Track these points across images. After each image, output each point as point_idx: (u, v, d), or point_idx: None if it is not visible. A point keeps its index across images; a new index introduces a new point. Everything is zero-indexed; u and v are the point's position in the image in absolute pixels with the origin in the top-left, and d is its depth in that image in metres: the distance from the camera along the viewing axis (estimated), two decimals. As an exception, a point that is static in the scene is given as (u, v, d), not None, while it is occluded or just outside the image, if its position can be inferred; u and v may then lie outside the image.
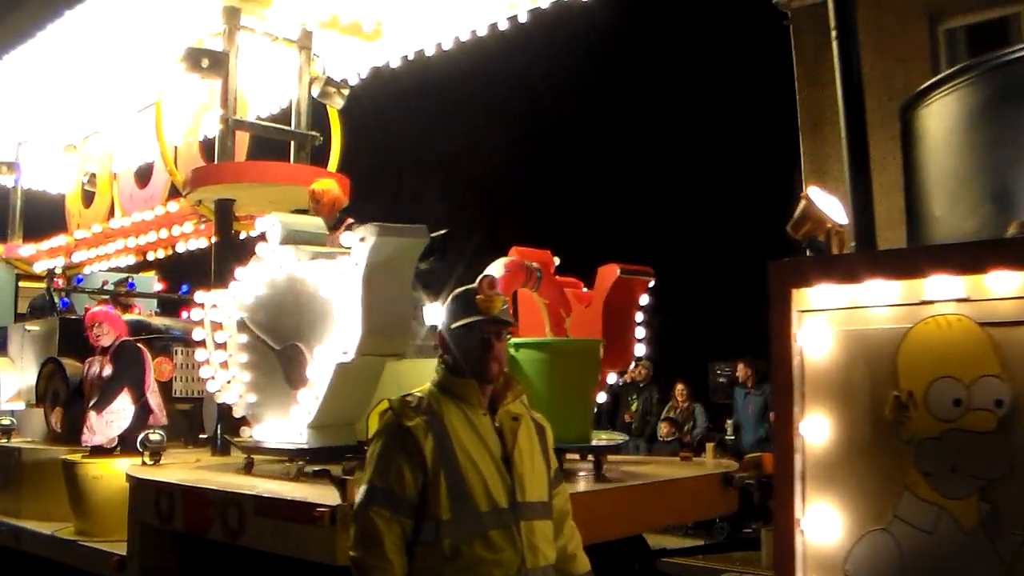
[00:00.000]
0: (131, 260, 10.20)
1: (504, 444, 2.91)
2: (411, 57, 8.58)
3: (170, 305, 9.80)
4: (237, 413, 4.92)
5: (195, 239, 9.19)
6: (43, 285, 11.66)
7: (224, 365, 5.52)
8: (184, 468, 6.29)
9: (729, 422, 10.74)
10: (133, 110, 10.03)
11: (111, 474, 6.94)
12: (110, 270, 10.77)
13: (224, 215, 7.66)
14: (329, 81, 8.27)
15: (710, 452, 6.64)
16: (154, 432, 6.46)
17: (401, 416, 2.85)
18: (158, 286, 11.26)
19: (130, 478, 5.96)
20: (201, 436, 8.43)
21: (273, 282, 5.11)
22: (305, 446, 4.90)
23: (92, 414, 7.10)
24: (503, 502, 2.82)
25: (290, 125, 8.36)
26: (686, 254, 17.08)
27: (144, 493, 5.64)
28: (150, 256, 9.97)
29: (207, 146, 8.78)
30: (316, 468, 4.59)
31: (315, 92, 8.31)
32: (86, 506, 7.01)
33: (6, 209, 11.74)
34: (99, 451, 7.22)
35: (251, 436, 5.18)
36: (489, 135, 18.86)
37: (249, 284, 5.25)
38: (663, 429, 10.57)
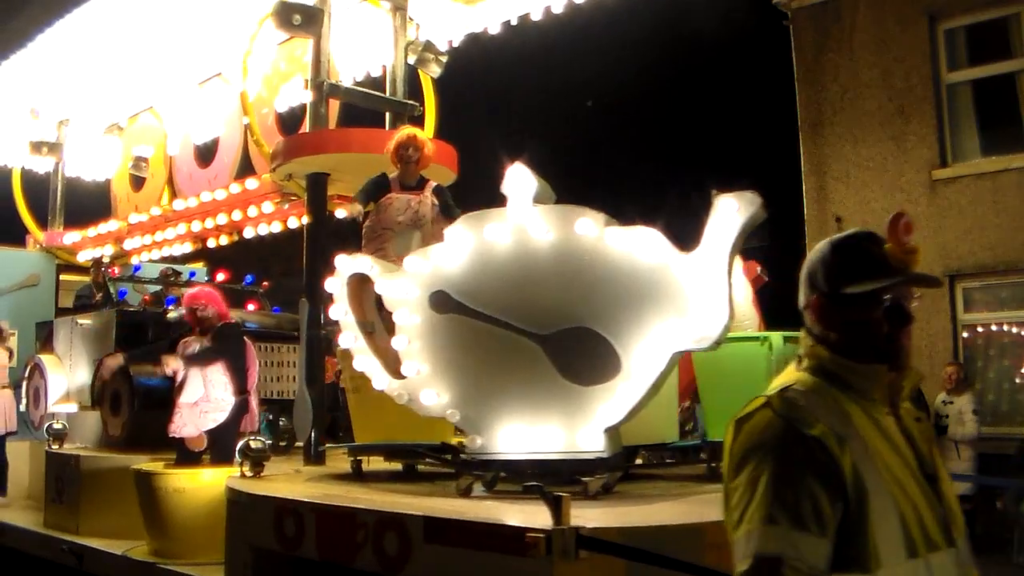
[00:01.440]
0: (187, 248, 9.41)
1: (920, 457, 2.09)
2: (514, 22, 7.79)
3: (234, 297, 8.99)
4: (428, 413, 3.91)
5: (266, 223, 8.39)
6: (85, 278, 10.94)
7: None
8: (293, 481, 5.49)
9: None
10: (192, 83, 9.26)
11: (197, 486, 6.18)
12: (161, 260, 9.97)
13: (318, 191, 6.89)
14: (427, 47, 7.50)
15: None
16: (255, 439, 5.67)
17: (796, 420, 1.98)
18: (206, 279, 10.46)
19: (235, 493, 5.17)
20: (280, 444, 7.66)
21: (523, 250, 3.99)
22: (603, 454, 3.89)
23: (183, 402, 6.30)
24: (941, 543, 2.00)
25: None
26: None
27: (259, 511, 4.84)
28: (210, 243, 9.17)
29: (286, 119, 8.02)
30: (526, 484, 3.74)
31: (411, 59, 7.54)
32: (166, 523, 6.23)
33: (43, 195, 10.95)
34: (183, 459, 6.42)
35: (478, 445, 4.01)
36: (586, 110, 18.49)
37: (468, 250, 4.01)
38: None
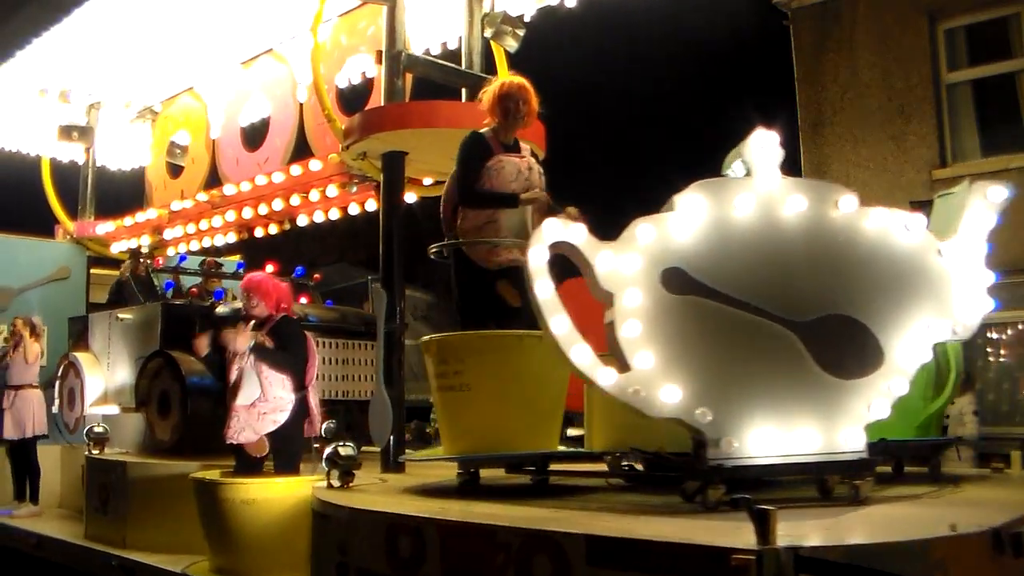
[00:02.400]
0: (230, 238, 8.86)
1: None
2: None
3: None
4: (663, 413, 3.14)
5: (323, 210, 7.84)
6: (114, 271, 10.38)
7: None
8: (388, 492, 4.91)
9: None
10: (236, 62, 8.70)
11: (268, 497, 5.60)
12: (199, 252, 9.41)
13: (395, 171, 6.34)
14: (505, 19, 6.94)
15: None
16: (344, 445, 5.09)
17: None
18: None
19: (327, 506, 4.59)
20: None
21: (773, 225, 3.43)
22: (865, 455, 3.36)
23: (239, 405, 5.72)
24: None
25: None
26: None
27: (363, 528, 4.26)
28: (258, 232, 8.61)
29: (347, 97, 7.48)
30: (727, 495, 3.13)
31: (488, 32, 6.97)
32: (233, 538, 5.64)
33: (69, 185, 10.40)
34: (244, 467, 5.84)
35: (732, 449, 3.30)
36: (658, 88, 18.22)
37: (706, 222, 3.40)
38: None
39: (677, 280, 3.13)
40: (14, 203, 12.08)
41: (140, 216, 8.97)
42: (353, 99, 7.55)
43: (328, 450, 5.09)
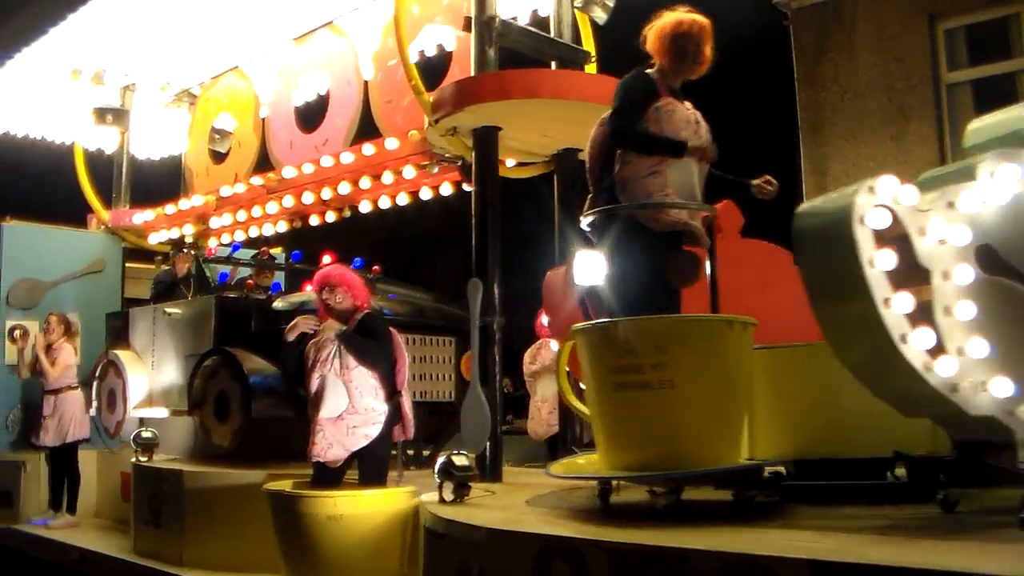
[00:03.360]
0: (281, 227, 8.23)
1: None
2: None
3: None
4: (988, 411, 2.50)
5: (389, 195, 7.23)
6: (147, 265, 9.77)
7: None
8: (517, 508, 4.29)
9: None
10: (288, 38, 8.09)
11: (358, 512, 5.04)
12: (243, 243, 8.79)
13: (488, 148, 5.75)
14: (597, -12, 6.34)
15: None
16: (458, 454, 4.49)
17: None
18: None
19: (449, 525, 3.99)
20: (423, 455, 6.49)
21: None
22: None
23: (325, 418, 5.11)
24: None
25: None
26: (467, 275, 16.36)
27: (505, 551, 3.66)
28: (313, 220, 8.00)
29: (429, 67, 6.90)
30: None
31: (577, 1, 6.39)
32: (318, 557, 5.05)
33: (99, 174, 9.75)
34: (324, 478, 5.24)
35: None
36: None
37: (1016, 195, 2.78)
38: None
39: (987, 259, 2.52)
40: (40, 192, 11.44)
41: (184, 203, 8.34)
42: (426, 74, 6.93)
43: (440, 460, 4.48)
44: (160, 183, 10.42)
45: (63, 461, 8.02)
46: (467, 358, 6.83)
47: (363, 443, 5.21)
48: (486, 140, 5.77)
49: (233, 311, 7.01)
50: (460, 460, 4.46)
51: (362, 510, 5.06)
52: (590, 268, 4.29)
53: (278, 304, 7.11)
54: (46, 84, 9.49)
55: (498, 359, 5.74)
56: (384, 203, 7.38)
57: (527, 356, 7.35)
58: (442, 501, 4.43)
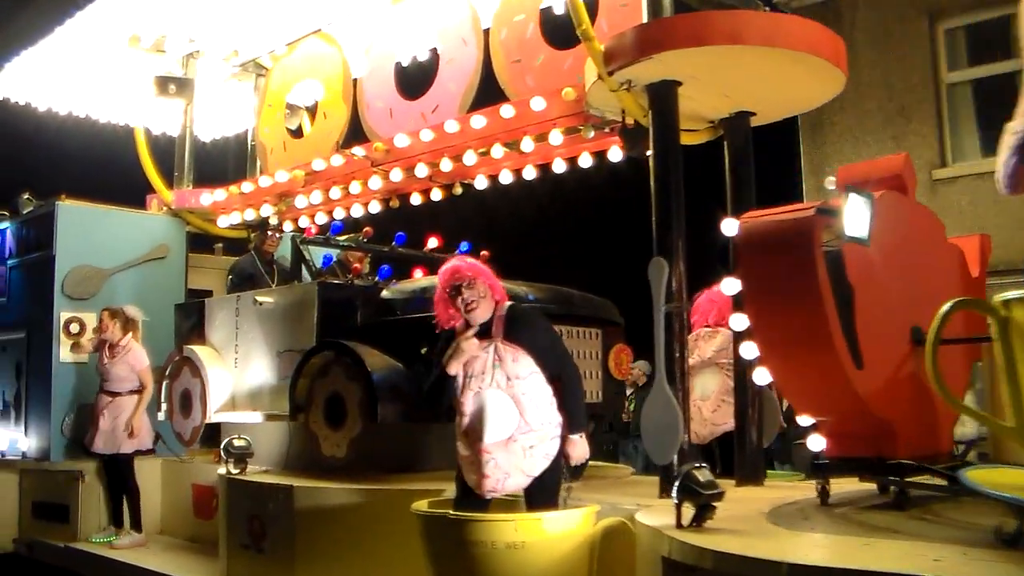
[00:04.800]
0: (374, 208, 7.26)
1: None
2: None
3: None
4: None
5: (514, 168, 6.26)
6: (207, 255, 8.79)
7: None
8: (777, 536, 3.32)
9: None
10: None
11: (541, 539, 4.09)
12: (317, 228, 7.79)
13: (668, 105, 4.83)
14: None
15: None
16: (699, 467, 3.52)
17: None
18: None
19: (725, 560, 3.03)
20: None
21: None
22: None
23: (491, 443, 4.12)
24: None
25: None
26: (601, 261, 15.39)
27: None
28: (414, 199, 7.03)
29: (551, 29, 5.95)
30: None
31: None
32: (492, 596, 4.03)
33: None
34: (475, 498, 4.26)
35: None
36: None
37: None
38: None
39: None
40: (92, 173, 10.43)
41: (264, 180, 7.33)
42: (562, 35, 5.98)
43: (681, 474, 3.51)
44: (219, 165, 9.44)
45: (117, 472, 7.01)
46: (616, 352, 5.89)
47: (544, 464, 4.21)
48: (665, 97, 4.83)
49: (337, 300, 6.03)
50: (703, 475, 3.50)
51: (546, 536, 4.09)
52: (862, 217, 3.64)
53: (388, 292, 6.13)
54: (99, 54, 8.54)
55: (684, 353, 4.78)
56: (505, 178, 6.39)
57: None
58: (679, 526, 3.48)
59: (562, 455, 4.31)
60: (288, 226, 7.50)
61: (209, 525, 6.83)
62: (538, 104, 5.58)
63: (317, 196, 7.07)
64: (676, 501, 3.51)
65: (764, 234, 3.81)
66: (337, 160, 6.71)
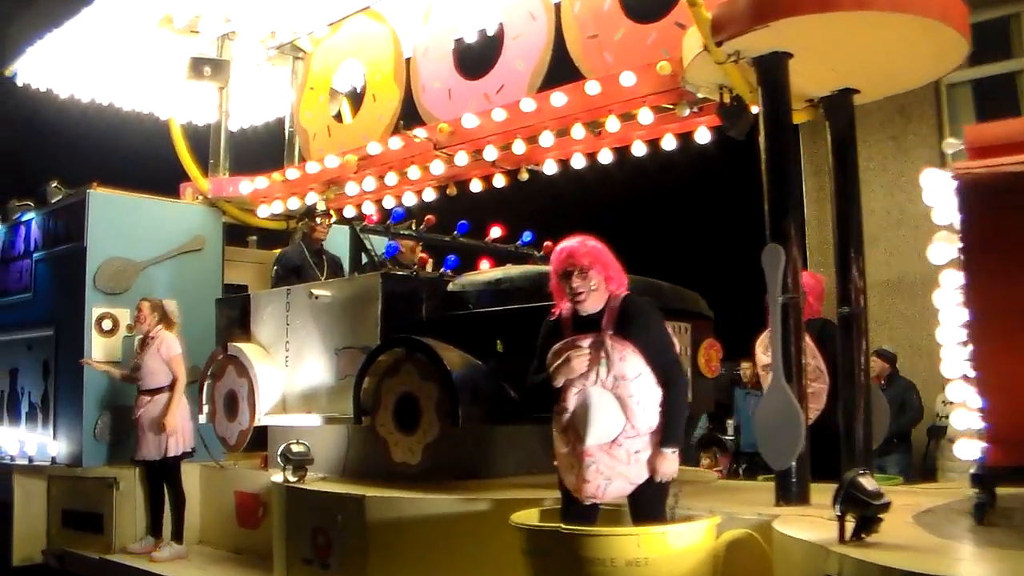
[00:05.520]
0: (428, 196, 6.80)
1: None
2: None
3: (512, 260, 6.37)
4: None
5: (586, 152, 5.81)
6: (242, 248, 8.32)
7: None
8: (944, 552, 2.88)
9: (729, 422, 10.14)
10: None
11: (667, 555, 3.68)
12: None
13: (779, 78, 4.42)
14: None
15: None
16: (863, 474, 3.08)
17: None
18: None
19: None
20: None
21: None
22: None
23: (593, 445, 3.70)
24: None
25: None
26: (682, 252, 15.07)
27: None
28: (474, 186, 6.56)
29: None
30: None
31: None
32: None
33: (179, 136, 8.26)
34: (577, 509, 3.81)
35: None
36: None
37: None
38: None
39: None
40: (122, 162, 9.91)
41: (311, 167, 6.83)
42: (639, 2, 5.53)
43: (846, 482, 3.06)
44: (249, 154, 8.95)
45: (164, 478, 6.54)
46: (706, 348, 5.44)
47: (647, 473, 3.78)
48: (776, 71, 4.39)
49: (402, 293, 5.56)
50: (869, 483, 3.05)
51: (671, 552, 3.66)
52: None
53: (456, 285, 5.67)
54: (126, 36, 8.07)
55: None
56: (578, 161, 5.93)
57: (762, 342, 5.81)
58: (844, 540, 3.03)
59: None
60: (349, 211, 6.99)
61: (254, 535, 6.37)
62: (628, 80, 5.12)
63: (370, 183, 6.59)
64: (839, 512, 3.06)
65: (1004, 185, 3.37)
66: (395, 143, 6.24)
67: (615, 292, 3.85)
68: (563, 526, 3.77)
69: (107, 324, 6.93)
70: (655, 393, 3.78)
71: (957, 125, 10.47)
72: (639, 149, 5.70)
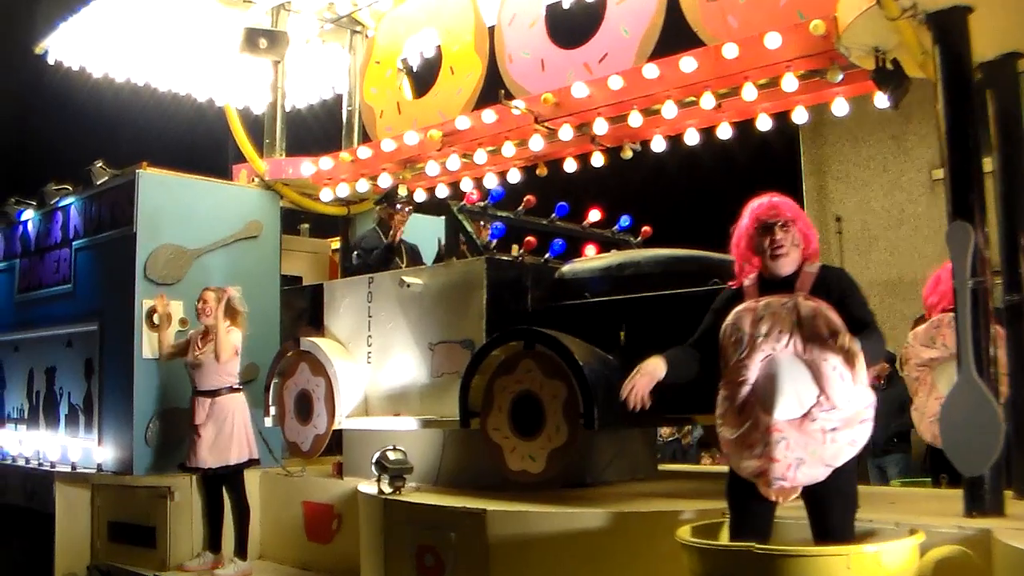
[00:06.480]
0: (513, 177, 6.22)
1: None
2: None
3: (605, 248, 5.79)
4: None
5: (688, 127, 5.25)
6: (303, 238, 7.74)
7: None
8: None
9: None
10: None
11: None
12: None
13: (957, 39, 3.87)
14: None
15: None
16: None
17: None
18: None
19: None
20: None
21: None
22: None
23: (782, 420, 3.19)
24: None
25: None
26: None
27: None
28: (568, 165, 5.98)
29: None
30: None
31: None
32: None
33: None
34: (747, 508, 3.26)
35: None
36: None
37: None
38: (663, 431, 9.37)
39: None
40: (170, 145, 9.29)
41: (387, 144, 6.22)
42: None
43: None
44: (299, 138, 8.36)
45: (225, 488, 5.94)
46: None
47: (849, 454, 3.23)
48: (954, 28, 3.85)
49: (506, 281, 4.97)
50: None
51: (884, 572, 3.09)
52: None
53: (566, 272, 5.09)
54: (167, 11, 7.51)
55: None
56: (691, 137, 5.35)
57: (921, 336, 5.20)
58: None
59: (867, 447, 3.33)
60: (442, 190, 6.38)
61: (326, 550, 5.79)
62: (773, 41, 4.53)
63: (454, 161, 5.98)
64: None
65: None
66: (490, 116, 5.64)
67: (811, 257, 3.40)
68: (756, 545, 3.19)
69: (158, 318, 6.30)
70: (862, 366, 3.24)
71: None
72: (764, 123, 5.12)
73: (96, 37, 7.92)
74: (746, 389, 3.28)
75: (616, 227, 6.00)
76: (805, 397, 3.20)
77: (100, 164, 6.67)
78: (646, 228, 6.06)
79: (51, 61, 8.13)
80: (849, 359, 3.22)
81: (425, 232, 6.65)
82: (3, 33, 9.55)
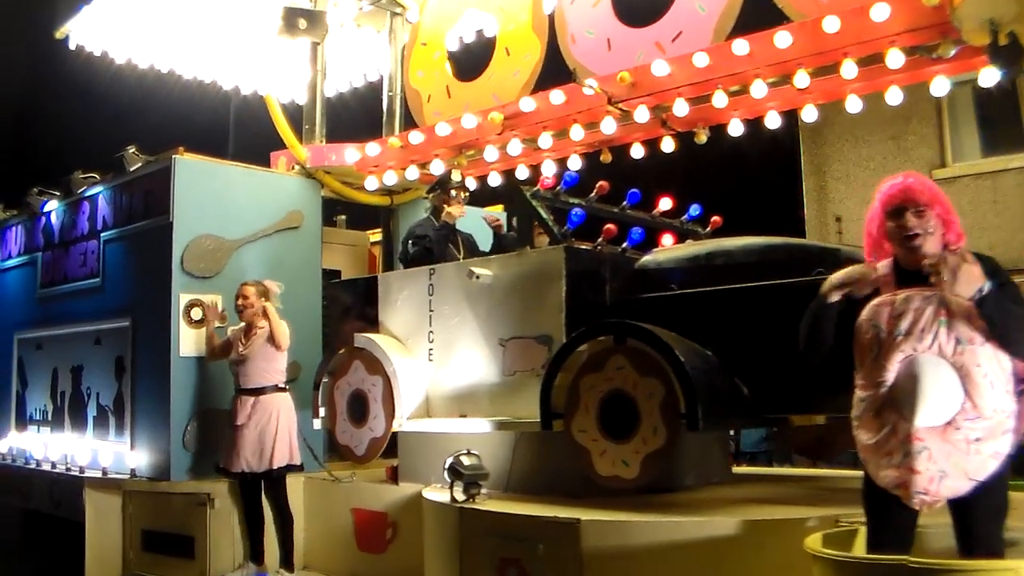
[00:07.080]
0: (573, 164, 5.87)
1: None
2: None
3: (680, 239, 5.46)
4: None
5: (782, 109, 4.93)
6: (339, 229, 7.38)
7: None
8: None
9: None
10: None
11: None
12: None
13: None
14: None
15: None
16: None
17: None
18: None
19: None
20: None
21: None
22: None
23: (923, 426, 2.87)
24: None
25: None
26: None
27: None
28: (634, 152, 5.64)
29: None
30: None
31: None
32: None
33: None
34: (885, 514, 2.94)
35: None
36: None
37: None
38: None
39: None
40: (204, 133, 8.92)
41: (441, 128, 5.87)
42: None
43: None
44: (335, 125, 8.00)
45: (266, 493, 5.60)
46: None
47: (991, 467, 2.90)
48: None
49: (585, 272, 4.62)
50: None
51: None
52: None
53: (648, 259, 4.75)
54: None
55: None
56: (773, 120, 5.01)
57: None
58: None
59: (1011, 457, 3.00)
60: (521, 171, 6.02)
61: (379, 561, 5.45)
62: (880, 13, 4.19)
63: (516, 146, 5.63)
64: None
65: None
66: (558, 97, 5.29)
67: (954, 243, 3.04)
68: (910, 558, 2.85)
69: (196, 313, 5.94)
70: (1005, 365, 2.91)
71: (957, 125, 10.92)
72: (854, 105, 4.79)
73: (119, 21, 7.57)
74: (883, 390, 2.97)
75: (685, 216, 5.67)
76: (950, 403, 2.87)
77: (133, 150, 6.29)
78: (716, 217, 5.73)
79: (72, 46, 7.78)
80: (1001, 363, 2.92)
81: (466, 223, 6.29)
82: (22, 17, 9.19)
